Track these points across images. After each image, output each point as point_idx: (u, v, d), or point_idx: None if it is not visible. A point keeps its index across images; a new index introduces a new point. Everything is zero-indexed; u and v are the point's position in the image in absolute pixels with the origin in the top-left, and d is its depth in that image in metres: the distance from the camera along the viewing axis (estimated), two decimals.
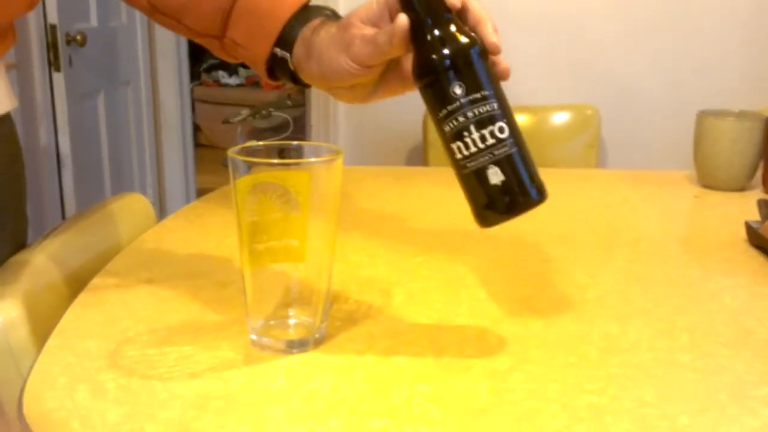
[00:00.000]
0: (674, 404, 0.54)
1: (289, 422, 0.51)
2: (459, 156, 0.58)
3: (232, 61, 0.77)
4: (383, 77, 0.67)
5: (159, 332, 0.65)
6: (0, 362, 0.63)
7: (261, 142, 0.63)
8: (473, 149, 0.57)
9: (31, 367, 0.59)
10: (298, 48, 0.69)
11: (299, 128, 4.08)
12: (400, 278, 0.78)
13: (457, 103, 0.57)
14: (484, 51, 0.59)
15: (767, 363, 0.60)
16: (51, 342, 0.63)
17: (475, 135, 0.57)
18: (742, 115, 1.16)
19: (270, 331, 0.62)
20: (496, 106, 0.57)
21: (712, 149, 1.13)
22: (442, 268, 0.82)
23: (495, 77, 0.59)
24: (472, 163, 0.57)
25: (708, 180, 1.16)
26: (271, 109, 4.49)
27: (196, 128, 4.24)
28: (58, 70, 2.15)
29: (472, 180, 0.58)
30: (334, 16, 0.71)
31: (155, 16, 0.77)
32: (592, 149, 1.81)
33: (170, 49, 2.99)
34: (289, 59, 0.70)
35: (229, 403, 0.53)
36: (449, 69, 0.57)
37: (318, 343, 0.62)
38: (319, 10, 0.71)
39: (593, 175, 1.39)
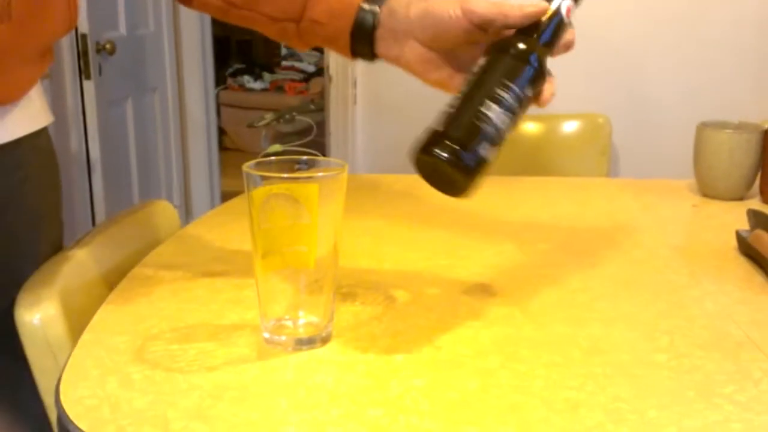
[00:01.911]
0: (645, 399, 0.59)
1: (295, 411, 0.57)
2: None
3: (303, 49, 0.78)
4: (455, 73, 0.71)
5: (181, 330, 0.71)
6: (39, 355, 0.70)
7: (273, 159, 0.69)
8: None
9: (67, 359, 0.65)
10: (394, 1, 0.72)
11: (322, 132, 4.15)
12: (404, 282, 0.83)
13: (505, 88, 0.64)
14: (542, 76, 0.67)
15: (737, 363, 0.65)
16: (84, 337, 0.69)
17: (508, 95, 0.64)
18: (740, 127, 1.19)
19: (281, 330, 0.68)
20: (516, 108, 0.65)
21: (711, 160, 1.17)
22: (444, 273, 0.87)
23: (535, 96, 0.67)
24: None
25: (707, 190, 1.20)
26: (294, 114, 4.57)
27: (222, 132, 4.32)
28: (88, 78, 2.24)
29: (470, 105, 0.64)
30: None
31: (230, 13, 0.78)
32: (604, 157, 1.85)
33: (196, 55, 3.06)
34: (377, 13, 0.72)
35: (243, 394, 0.59)
36: (526, 64, 0.65)
37: (324, 341, 0.68)
38: None
39: (596, 184, 1.43)
